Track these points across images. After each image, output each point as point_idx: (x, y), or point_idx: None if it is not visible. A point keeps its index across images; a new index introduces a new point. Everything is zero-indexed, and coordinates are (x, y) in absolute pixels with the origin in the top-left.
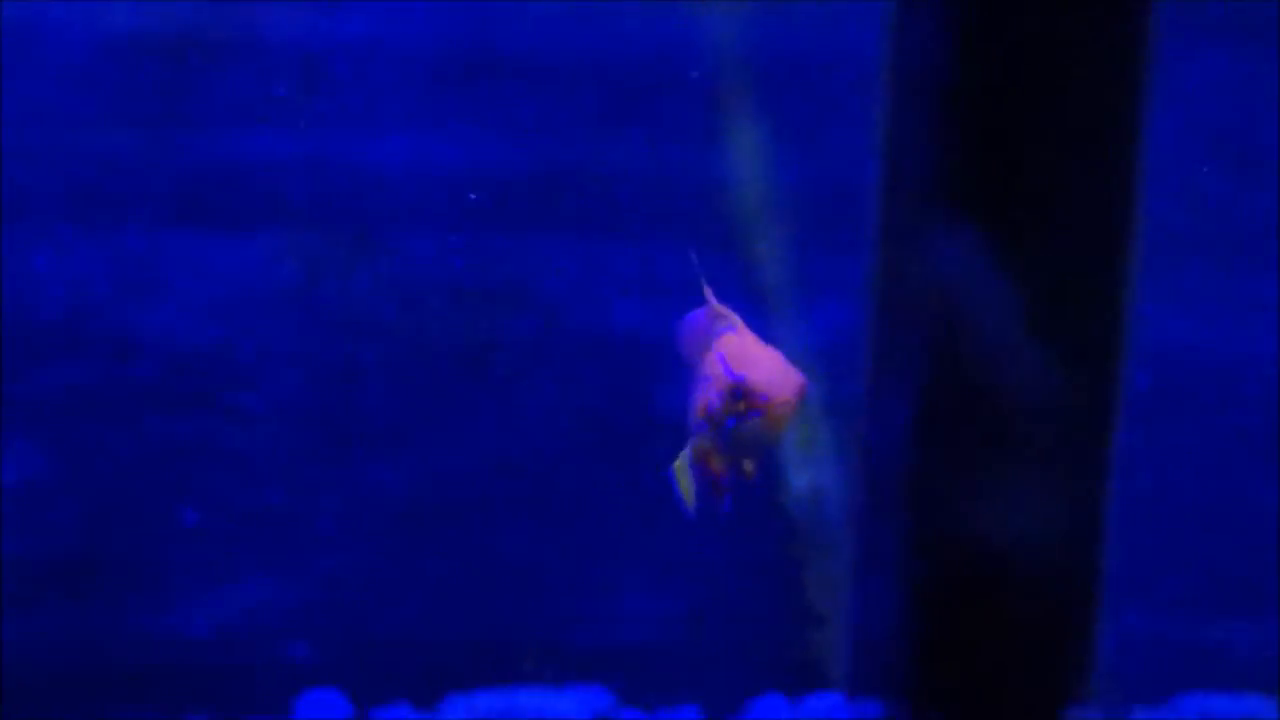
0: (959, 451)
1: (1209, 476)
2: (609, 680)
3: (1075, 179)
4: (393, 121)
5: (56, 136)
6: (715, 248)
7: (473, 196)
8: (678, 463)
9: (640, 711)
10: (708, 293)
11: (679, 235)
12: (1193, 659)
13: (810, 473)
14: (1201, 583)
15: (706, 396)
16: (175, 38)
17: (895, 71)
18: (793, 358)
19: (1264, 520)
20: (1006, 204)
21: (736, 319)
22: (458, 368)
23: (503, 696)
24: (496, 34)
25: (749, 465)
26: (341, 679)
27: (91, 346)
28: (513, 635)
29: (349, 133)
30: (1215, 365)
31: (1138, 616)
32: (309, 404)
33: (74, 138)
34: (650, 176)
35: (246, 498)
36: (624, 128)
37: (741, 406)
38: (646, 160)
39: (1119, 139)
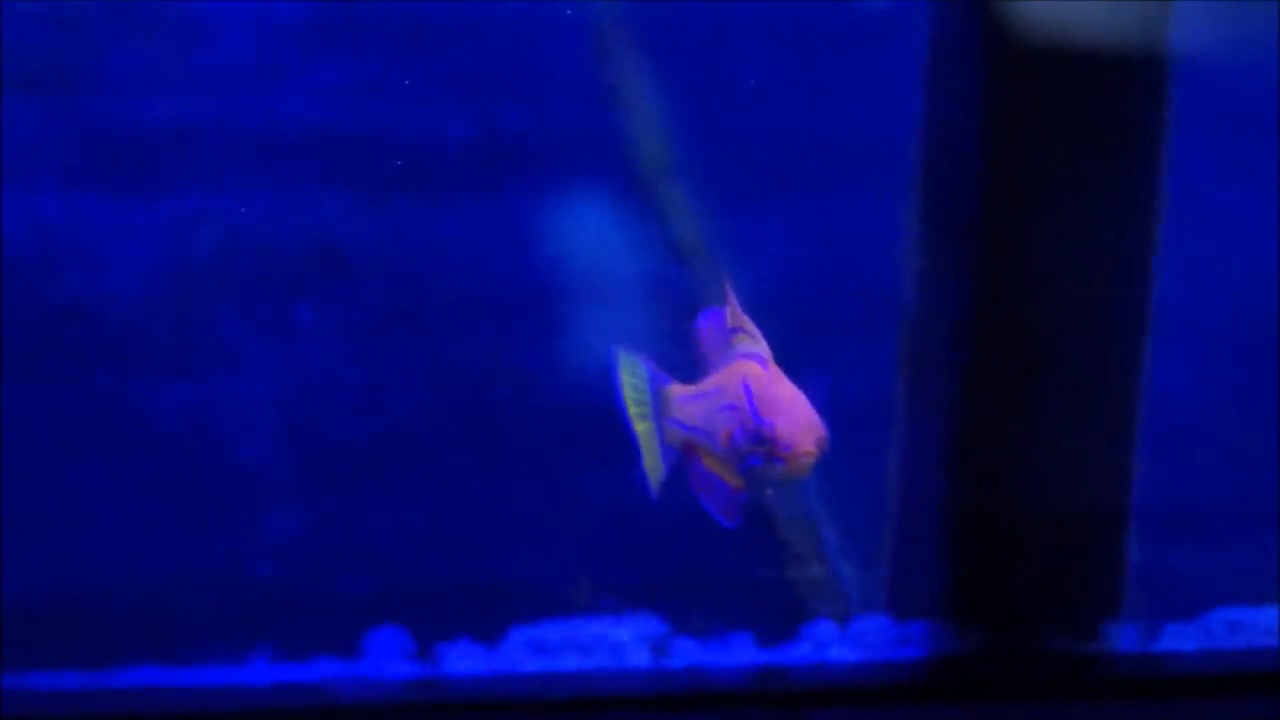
0: (997, 381)
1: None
2: (662, 610)
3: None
4: (294, 84)
5: None
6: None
7: (398, 162)
8: (641, 426)
9: (694, 639)
10: (731, 300)
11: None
12: (1220, 577)
13: None
14: (1228, 500)
15: (730, 428)
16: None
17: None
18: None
19: None
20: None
21: (757, 334)
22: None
23: (562, 627)
24: None
25: (766, 492)
26: (401, 617)
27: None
28: (565, 570)
29: (252, 96)
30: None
31: (1167, 537)
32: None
33: None
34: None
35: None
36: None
37: (764, 450)
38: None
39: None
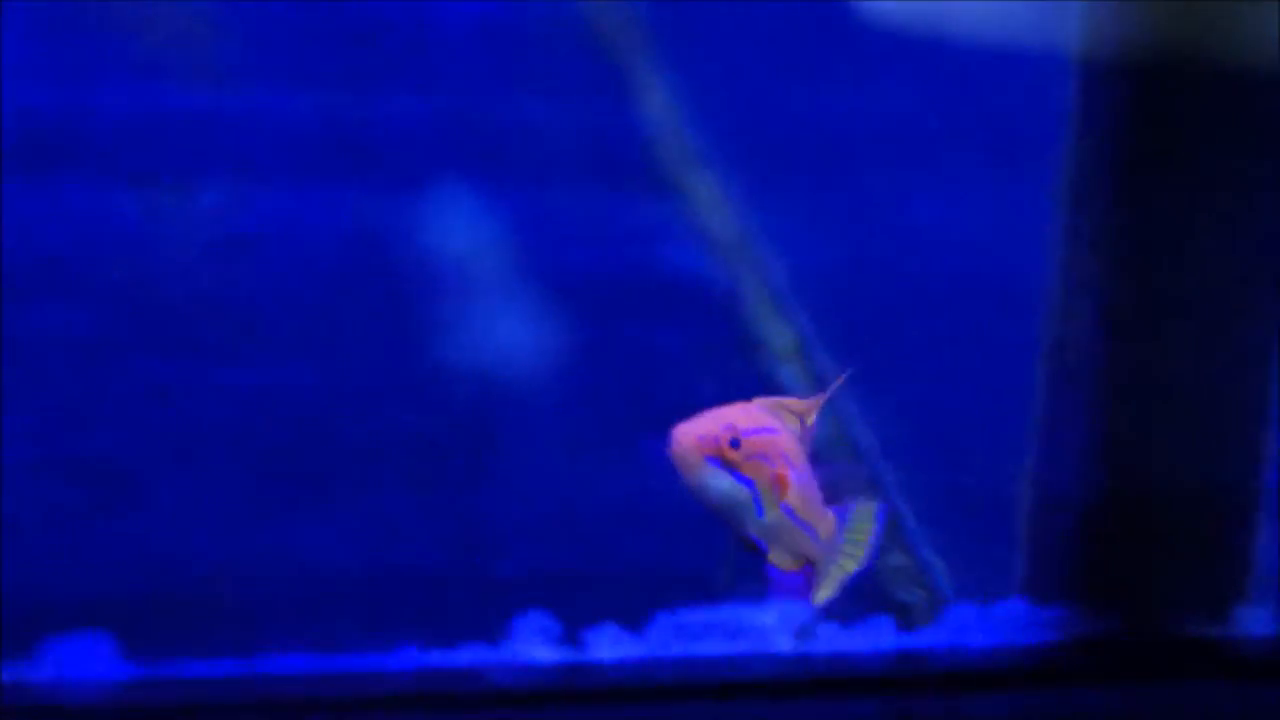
0: (1134, 364)
1: None
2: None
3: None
4: (299, 79)
5: None
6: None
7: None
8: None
9: (838, 624)
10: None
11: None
12: None
13: None
14: None
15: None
16: None
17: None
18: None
19: None
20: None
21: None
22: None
23: (707, 613)
24: None
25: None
26: (547, 602)
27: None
28: (704, 558)
29: (265, 87)
30: None
31: None
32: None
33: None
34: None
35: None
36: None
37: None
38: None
39: None
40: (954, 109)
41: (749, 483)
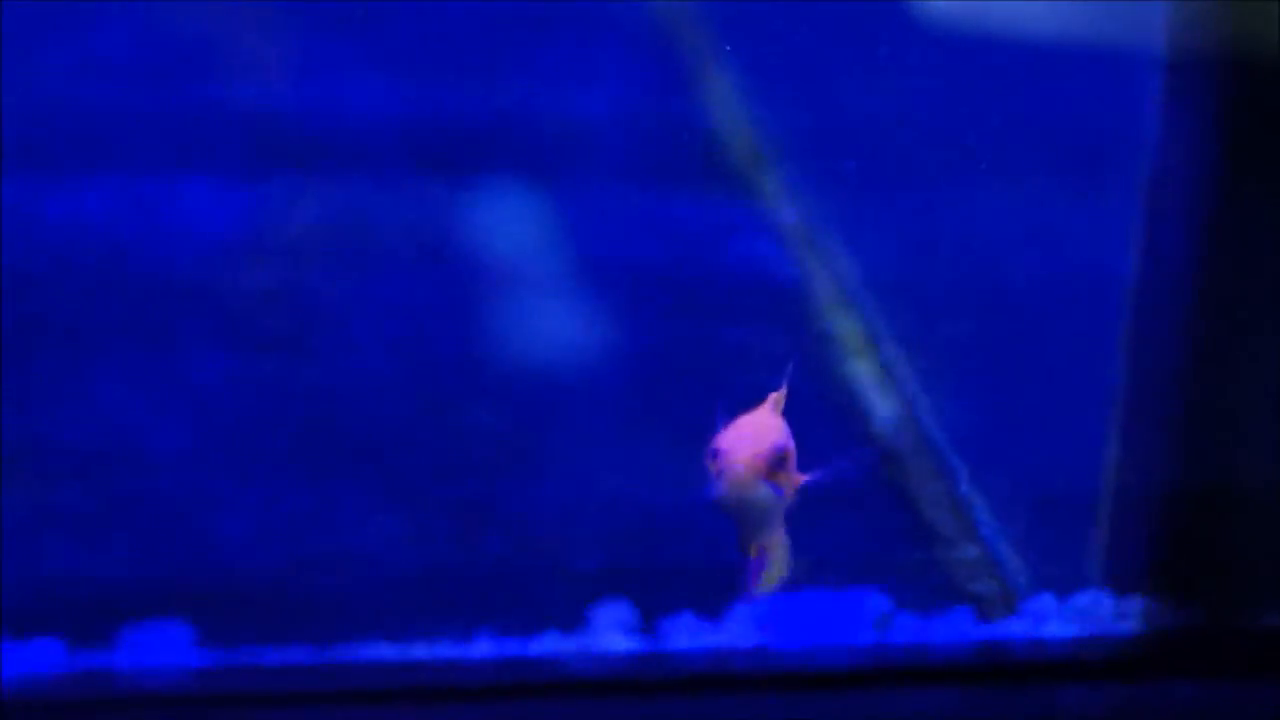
0: (1213, 356)
1: None
2: (881, 585)
3: None
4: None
5: (58, 88)
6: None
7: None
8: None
9: (916, 615)
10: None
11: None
12: None
13: None
14: None
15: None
16: None
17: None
18: None
19: None
20: None
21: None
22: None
23: (784, 602)
24: None
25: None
26: (625, 591)
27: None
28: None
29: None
30: None
31: None
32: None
33: (73, 89)
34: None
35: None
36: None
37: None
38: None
39: None
40: (1029, 104)
41: (781, 492)
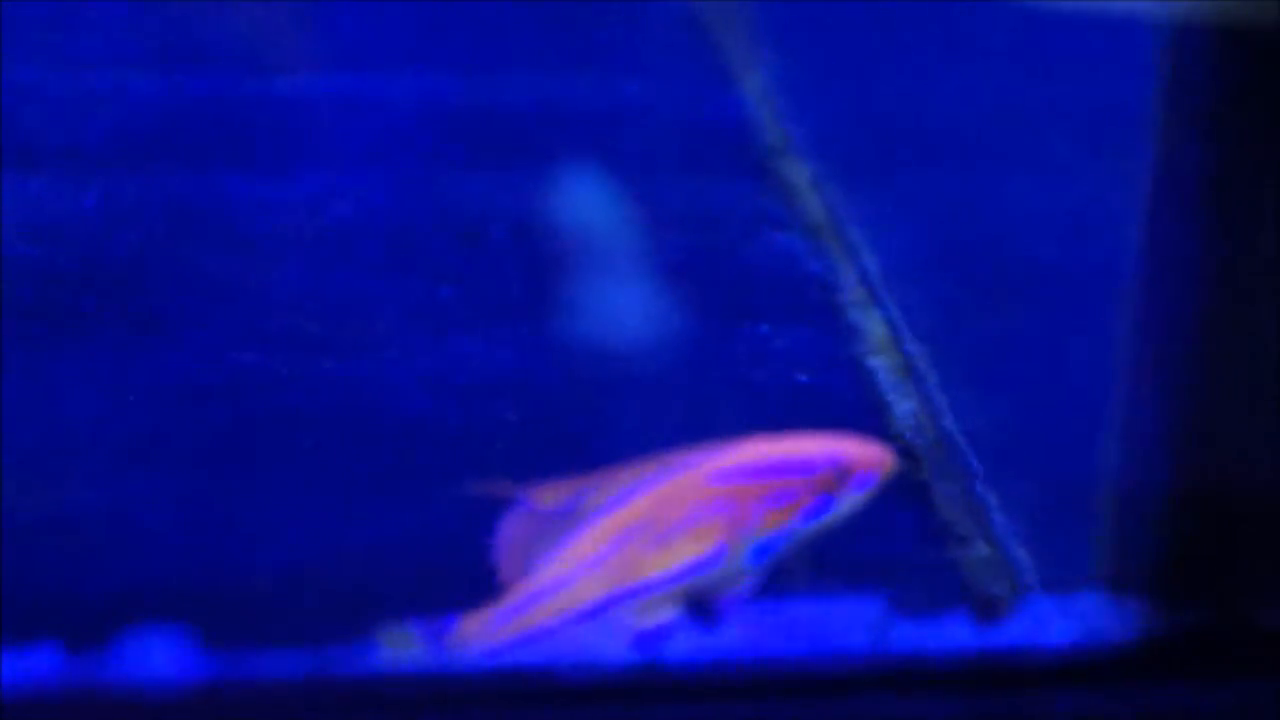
0: (1217, 355)
1: None
2: (879, 591)
3: None
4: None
5: (94, 82)
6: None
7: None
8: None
9: (911, 620)
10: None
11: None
12: None
13: None
14: None
15: None
16: None
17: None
18: None
19: None
20: None
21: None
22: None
23: (779, 607)
24: None
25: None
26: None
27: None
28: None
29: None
30: None
31: None
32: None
33: (110, 83)
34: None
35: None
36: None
37: None
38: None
39: None
40: (1050, 95)
41: None
